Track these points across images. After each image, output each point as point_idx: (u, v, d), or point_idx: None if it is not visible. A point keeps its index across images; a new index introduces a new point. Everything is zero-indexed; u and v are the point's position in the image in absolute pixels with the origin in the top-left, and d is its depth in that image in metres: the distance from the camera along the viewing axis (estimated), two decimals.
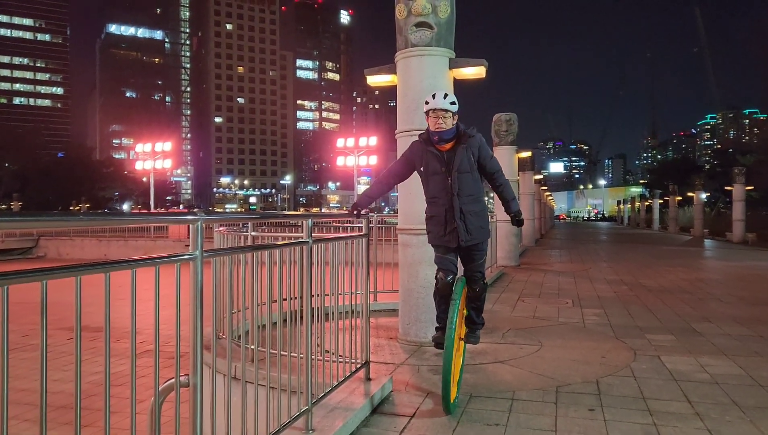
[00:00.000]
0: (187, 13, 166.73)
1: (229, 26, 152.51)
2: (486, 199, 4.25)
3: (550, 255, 18.40)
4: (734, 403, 3.82)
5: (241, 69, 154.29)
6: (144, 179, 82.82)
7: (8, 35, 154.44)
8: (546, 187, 36.83)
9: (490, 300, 8.46)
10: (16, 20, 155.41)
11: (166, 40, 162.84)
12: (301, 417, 3.01)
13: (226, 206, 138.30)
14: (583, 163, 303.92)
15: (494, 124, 14.14)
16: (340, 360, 3.70)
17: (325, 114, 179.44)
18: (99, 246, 25.98)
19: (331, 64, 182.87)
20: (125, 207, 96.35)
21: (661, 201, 51.41)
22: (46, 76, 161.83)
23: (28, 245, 27.44)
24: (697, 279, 11.35)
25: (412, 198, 5.58)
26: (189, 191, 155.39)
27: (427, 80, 5.53)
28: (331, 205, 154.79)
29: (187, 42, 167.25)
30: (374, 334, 5.75)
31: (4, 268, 1.45)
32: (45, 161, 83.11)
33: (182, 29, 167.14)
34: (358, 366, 3.89)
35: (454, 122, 3.71)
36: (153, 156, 28.43)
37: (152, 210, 30.87)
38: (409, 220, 5.66)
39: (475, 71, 5.71)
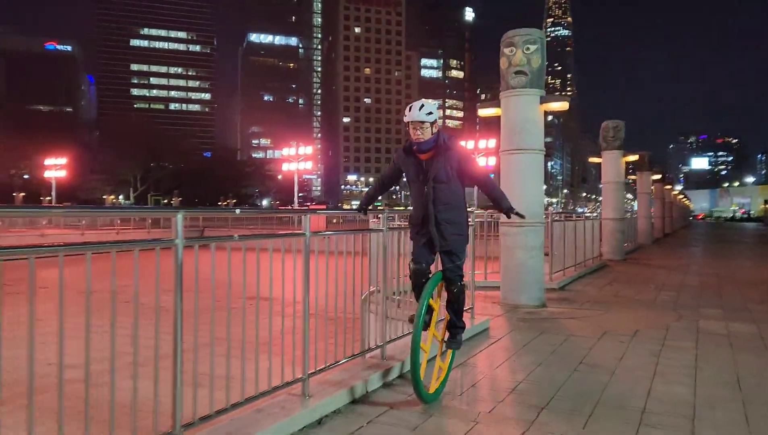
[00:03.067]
0: (319, 20, 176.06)
1: (357, 30, 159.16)
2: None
3: (662, 253, 19.20)
4: (731, 345, 5.50)
5: (368, 70, 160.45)
6: (279, 177, 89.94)
7: (165, 47, 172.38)
8: (670, 186, 36.21)
9: (582, 282, 10.19)
10: (172, 33, 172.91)
11: (300, 46, 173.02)
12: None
13: (353, 202, 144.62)
14: (731, 159, 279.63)
15: (602, 131, 15.52)
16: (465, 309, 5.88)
17: (448, 112, 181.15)
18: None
19: (455, 61, 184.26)
20: (264, 202, 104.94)
21: None
22: (196, 84, 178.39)
23: (194, 235, 32.29)
24: None
25: (509, 197, 7.62)
26: (319, 188, 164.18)
27: (523, 113, 7.55)
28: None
29: (319, 47, 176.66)
30: (484, 300, 7.80)
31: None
32: (196, 161, 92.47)
33: (314, 35, 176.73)
34: (467, 308, 6.04)
35: (434, 131, 3.77)
36: (297, 159, 32.39)
37: (295, 206, 34.70)
38: None
39: (559, 105, 7.65)
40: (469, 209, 4.66)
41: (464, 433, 3.24)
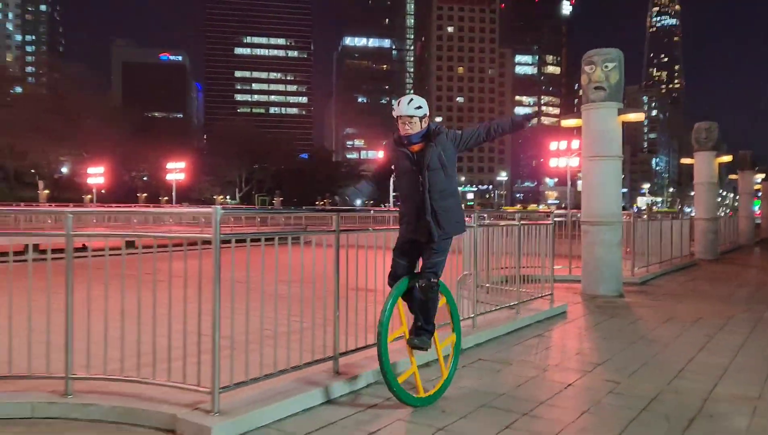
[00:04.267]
0: (412, 21, 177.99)
1: (450, 29, 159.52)
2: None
3: (761, 254, 18.92)
4: None
5: (461, 69, 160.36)
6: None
7: (266, 54, 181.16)
8: None
9: (664, 278, 10.82)
10: (272, 41, 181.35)
11: (393, 47, 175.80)
12: (518, 304, 6.37)
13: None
14: None
15: (695, 133, 15.77)
16: (545, 295, 6.97)
17: (544, 108, 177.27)
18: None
19: (551, 57, 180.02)
20: (357, 202, 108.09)
21: None
22: (294, 88, 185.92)
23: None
24: None
25: (589, 198, 8.58)
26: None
27: (602, 124, 8.47)
28: (549, 201, 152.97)
29: (411, 48, 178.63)
30: (566, 290, 8.75)
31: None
32: (295, 162, 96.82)
33: (407, 36, 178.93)
34: (547, 294, 7.10)
35: (424, 125, 3.71)
36: None
37: (390, 206, 36.33)
38: (588, 214, 8.65)
39: (636, 116, 8.52)
40: (558, 213, 5.62)
41: (535, 376, 4.40)
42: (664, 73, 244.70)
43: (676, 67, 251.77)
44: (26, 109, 53.76)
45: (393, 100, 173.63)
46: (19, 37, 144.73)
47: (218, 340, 3.22)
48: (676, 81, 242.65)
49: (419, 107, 3.68)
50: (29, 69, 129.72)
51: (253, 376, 3.48)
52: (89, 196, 49.41)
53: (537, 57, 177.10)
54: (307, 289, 3.94)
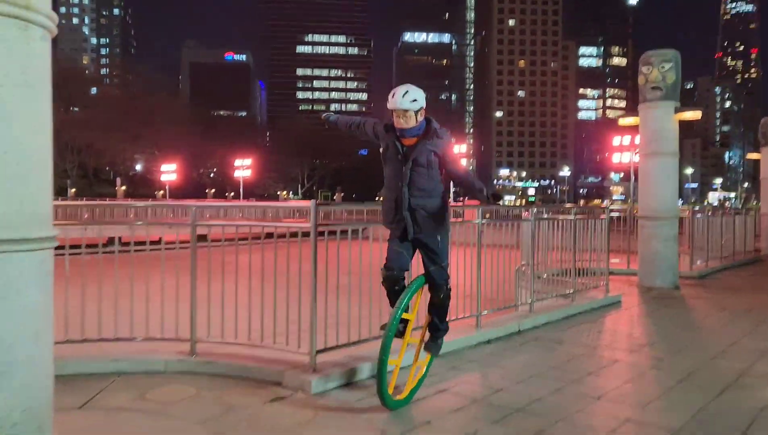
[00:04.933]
0: (472, 15, 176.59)
1: (511, 22, 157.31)
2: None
3: None
4: None
5: (522, 63, 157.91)
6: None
7: (327, 52, 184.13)
8: None
9: (724, 273, 10.93)
10: (333, 38, 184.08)
11: (453, 42, 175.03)
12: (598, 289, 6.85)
13: (506, 197, 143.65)
14: None
15: (761, 127, 15.54)
16: (599, 286, 7.41)
17: (609, 102, 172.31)
18: None
19: (617, 48, 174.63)
20: None
21: None
22: (354, 85, 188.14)
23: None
24: None
25: (646, 194, 8.90)
26: None
27: (659, 123, 8.77)
28: (614, 196, 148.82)
29: (472, 42, 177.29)
30: (624, 283, 9.09)
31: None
32: (354, 159, 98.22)
33: (467, 31, 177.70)
34: (602, 285, 7.53)
35: (420, 118, 3.55)
36: (461, 157, 34.57)
37: (450, 202, 36.66)
38: (645, 210, 8.96)
39: (692, 114, 8.76)
40: (615, 208, 6.11)
41: (585, 353, 4.92)
42: (740, 63, 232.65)
43: (753, 56, 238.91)
44: (103, 110, 57.24)
45: (453, 96, 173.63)
46: (94, 41, 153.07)
47: (316, 312, 3.93)
48: (752, 69, 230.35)
49: (414, 100, 3.49)
50: (103, 71, 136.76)
51: (342, 343, 4.20)
52: (162, 192, 52.19)
53: (602, 49, 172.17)
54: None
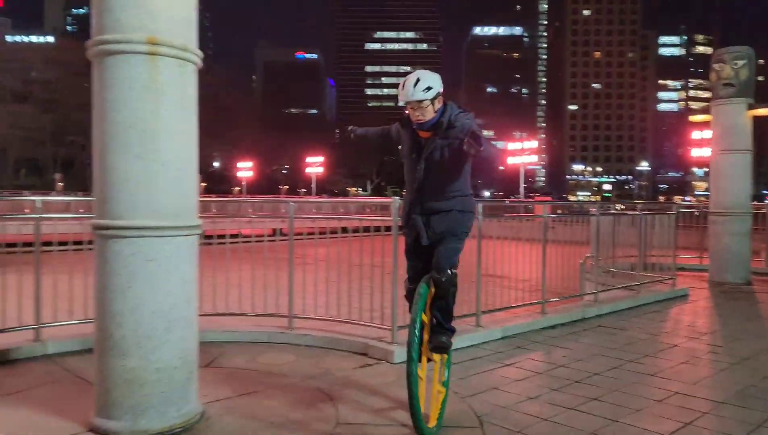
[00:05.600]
0: (545, 6, 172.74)
1: (586, 12, 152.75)
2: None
3: None
4: None
5: (597, 54, 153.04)
6: (501, 168, 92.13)
7: (395, 48, 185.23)
8: None
9: None
10: (402, 35, 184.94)
11: (525, 34, 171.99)
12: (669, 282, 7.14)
13: (579, 193, 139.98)
14: None
15: None
16: (666, 279, 7.63)
17: (692, 93, 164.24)
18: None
19: (701, 36, 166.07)
20: (486, 194, 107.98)
21: None
22: None
23: None
24: None
25: (718, 190, 9.00)
26: (543, 179, 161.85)
27: (731, 120, 8.82)
28: (696, 192, 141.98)
29: (544, 34, 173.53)
30: (695, 277, 9.18)
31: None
32: None
33: (539, 22, 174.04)
34: (669, 279, 7.74)
35: (438, 105, 3.11)
36: (522, 153, 34.52)
37: (521, 198, 36.61)
38: (716, 205, 9.05)
39: (767, 111, 8.73)
40: (684, 204, 6.36)
41: (646, 338, 5.27)
42: None
43: None
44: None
45: (524, 89, 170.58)
46: None
47: (396, 293, 4.51)
48: None
49: (429, 88, 3.04)
50: None
51: None
52: (238, 188, 54.52)
53: (685, 37, 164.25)
54: None
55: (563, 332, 5.45)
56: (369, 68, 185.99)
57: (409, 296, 3.27)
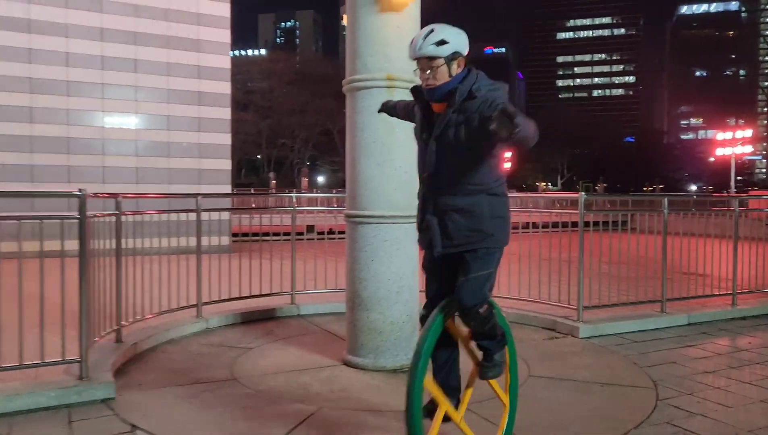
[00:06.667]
0: None
1: None
2: None
3: None
4: None
5: None
6: (711, 159, 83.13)
7: (589, 35, 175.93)
8: None
9: None
10: (597, 21, 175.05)
11: (742, 9, 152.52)
12: None
13: None
14: None
15: None
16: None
17: None
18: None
19: None
20: (692, 187, 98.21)
21: None
22: (620, 68, 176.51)
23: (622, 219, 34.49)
24: None
25: None
26: (764, 170, 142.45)
27: None
28: None
29: (766, 6, 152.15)
30: None
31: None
32: (619, 147, 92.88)
33: None
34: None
35: (457, 70, 2.36)
36: (733, 143, 31.08)
37: (731, 192, 33.30)
38: None
39: None
40: None
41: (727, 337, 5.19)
42: None
43: None
44: None
45: (741, 70, 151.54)
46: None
47: (582, 277, 5.09)
48: None
49: (443, 42, 2.32)
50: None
51: (604, 303, 5.32)
52: None
53: None
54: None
55: (753, 323, 5.54)
56: (560, 59, 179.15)
57: (423, 323, 2.47)
